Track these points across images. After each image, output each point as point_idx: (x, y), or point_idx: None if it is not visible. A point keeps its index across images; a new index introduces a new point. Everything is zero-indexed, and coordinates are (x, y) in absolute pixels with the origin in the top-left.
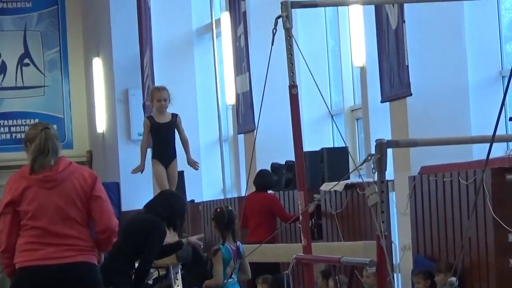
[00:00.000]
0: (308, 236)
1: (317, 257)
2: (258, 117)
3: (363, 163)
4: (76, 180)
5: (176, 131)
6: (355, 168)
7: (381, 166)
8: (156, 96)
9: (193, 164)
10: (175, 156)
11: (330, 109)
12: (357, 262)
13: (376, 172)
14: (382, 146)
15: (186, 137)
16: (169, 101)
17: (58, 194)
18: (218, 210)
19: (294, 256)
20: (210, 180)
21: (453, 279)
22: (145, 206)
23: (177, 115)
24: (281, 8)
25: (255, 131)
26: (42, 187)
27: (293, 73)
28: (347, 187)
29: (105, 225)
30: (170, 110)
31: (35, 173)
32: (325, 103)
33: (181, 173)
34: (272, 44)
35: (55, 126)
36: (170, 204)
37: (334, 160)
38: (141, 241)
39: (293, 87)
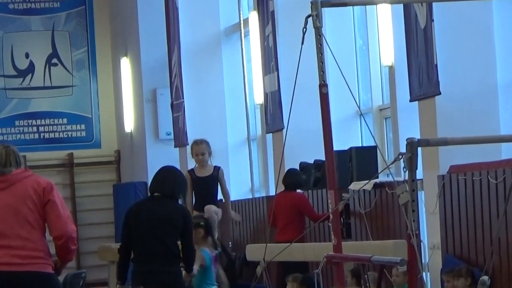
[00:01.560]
0: (338, 235)
1: (348, 256)
2: (289, 116)
3: (393, 162)
4: (30, 183)
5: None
6: (386, 167)
7: (412, 165)
8: (194, 150)
9: (234, 216)
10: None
11: (359, 108)
12: (388, 261)
13: (407, 171)
14: (413, 145)
15: (227, 191)
16: (209, 154)
17: (11, 194)
18: (206, 217)
19: (325, 255)
20: (238, 180)
21: (485, 277)
22: (156, 191)
23: (219, 168)
24: (311, 7)
25: (283, 130)
26: None
27: (323, 72)
28: (376, 186)
29: (61, 231)
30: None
31: None
32: (356, 102)
33: None
34: (302, 43)
35: (83, 126)
36: (177, 181)
37: (363, 159)
38: (178, 235)
39: (323, 86)
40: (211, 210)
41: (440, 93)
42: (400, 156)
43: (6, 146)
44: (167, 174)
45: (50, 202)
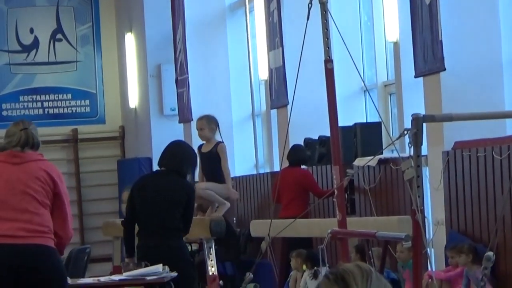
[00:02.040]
0: (343, 210)
1: (353, 231)
2: (294, 92)
3: (399, 138)
4: (43, 165)
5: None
6: (391, 143)
7: (417, 140)
8: (196, 126)
9: (232, 195)
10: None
11: (364, 84)
12: (393, 236)
13: (412, 147)
14: (418, 120)
15: (225, 168)
16: (211, 129)
17: (22, 170)
18: None
19: (329, 230)
20: (243, 156)
21: (490, 253)
22: (164, 166)
23: (218, 143)
24: None
25: (288, 106)
26: (8, 162)
27: (328, 48)
28: (381, 162)
29: (63, 233)
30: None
31: (5, 150)
32: (361, 78)
33: None
34: (308, 19)
35: (87, 101)
36: (186, 156)
37: (367, 135)
38: (181, 210)
39: (328, 61)
40: (198, 187)
41: (445, 69)
42: (406, 132)
43: (27, 128)
44: (175, 149)
45: (58, 196)
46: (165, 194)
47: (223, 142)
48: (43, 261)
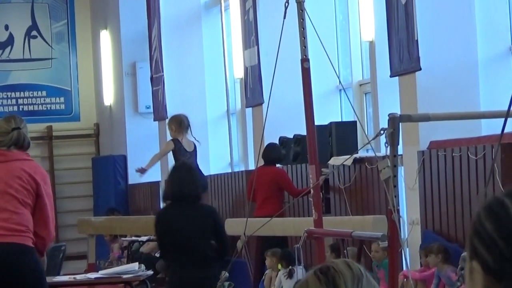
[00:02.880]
0: (319, 210)
1: (329, 231)
2: (270, 90)
3: (375, 137)
4: (26, 165)
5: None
6: (367, 142)
7: (393, 140)
8: None
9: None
10: None
11: (340, 83)
12: (369, 236)
13: (389, 146)
14: (395, 120)
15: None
16: (170, 129)
17: (4, 169)
18: None
19: (305, 229)
20: (218, 154)
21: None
22: (177, 197)
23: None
24: None
25: (263, 104)
26: None
27: (305, 47)
28: (356, 161)
29: (45, 235)
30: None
31: None
32: (337, 76)
33: None
34: (284, 18)
35: (62, 99)
36: (195, 180)
37: (343, 134)
38: (211, 235)
39: (305, 60)
40: None
41: (420, 69)
42: (382, 132)
43: (20, 128)
44: (183, 176)
45: (41, 198)
46: (189, 224)
47: (174, 139)
48: (21, 260)
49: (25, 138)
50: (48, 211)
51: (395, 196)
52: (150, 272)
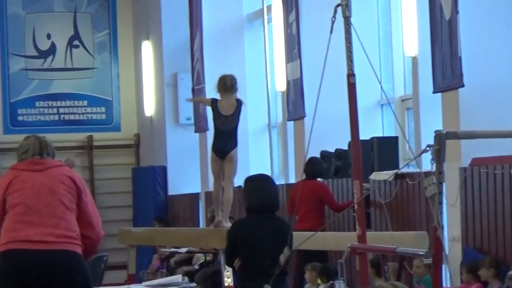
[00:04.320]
0: (363, 225)
1: (373, 247)
2: (316, 103)
3: (421, 154)
4: (64, 171)
5: None
6: (413, 158)
7: (439, 157)
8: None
9: None
10: None
11: (387, 98)
12: (413, 252)
13: (434, 163)
14: (441, 137)
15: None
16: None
17: (47, 175)
18: None
19: (349, 245)
20: (258, 167)
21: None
22: (257, 210)
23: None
24: None
25: (305, 118)
26: (30, 170)
27: (351, 62)
28: (397, 176)
29: (93, 234)
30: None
31: (24, 160)
32: (384, 92)
33: None
34: (331, 32)
35: (103, 108)
36: (273, 192)
37: (384, 150)
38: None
39: (351, 75)
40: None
41: (463, 85)
42: (428, 148)
43: (41, 137)
44: (268, 187)
45: (82, 200)
46: (271, 238)
47: (214, 98)
48: (71, 267)
49: (48, 145)
50: (90, 210)
51: (440, 213)
52: (193, 285)
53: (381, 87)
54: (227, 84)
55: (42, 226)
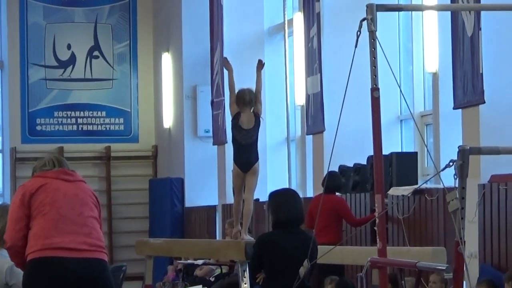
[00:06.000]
0: (383, 239)
1: (393, 261)
2: (339, 118)
3: (444, 169)
4: (89, 187)
5: None
6: (437, 173)
7: (463, 172)
8: None
9: None
10: None
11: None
12: (434, 267)
13: (458, 178)
14: (464, 152)
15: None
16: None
17: (77, 187)
18: None
19: (369, 259)
20: (276, 180)
21: None
22: (292, 223)
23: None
24: (366, 10)
25: (324, 132)
26: (60, 178)
27: (375, 76)
28: (415, 192)
29: None
30: None
31: (53, 170)
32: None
33: None
34: (356, 46)
35: (121, 119)
36: (299, 205)
37: (403, 165)
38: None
39: (375, 89)
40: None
41: (484, 102)
42: (451, 163)
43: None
44: (288, 201)
45: (100, 217)
46: (297, 252)
47: (237, 112)
48: (102, 275)
49: (65, 161)
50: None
51: (462, 228)
52: None
53: (405, 101)
54: (246, 100)
55: (75, 234)
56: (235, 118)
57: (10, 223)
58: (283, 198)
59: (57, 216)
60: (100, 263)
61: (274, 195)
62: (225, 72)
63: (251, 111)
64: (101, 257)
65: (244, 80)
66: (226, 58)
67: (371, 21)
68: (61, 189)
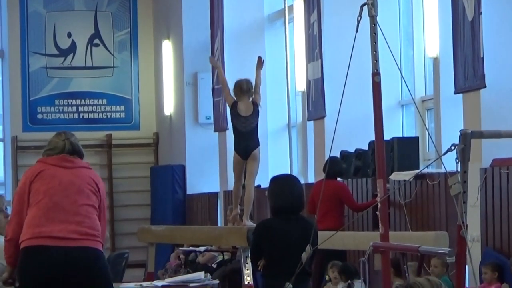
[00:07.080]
0: (386, 224)
1: (395, 245)
2: (340, 103)
3: (446, 153)
4: (91, 173)
5: None
6: (439, 157)
7: (464, 156)
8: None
9: None
10: None
11: (412, 97)
12: (436, 251)
13: (459, 162)
14: (466, 136)
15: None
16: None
17: (75, 174)
18: None
19: (371, 243)
20: (277, 166)
21: None
22: (282, 210)
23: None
24: None
25: (325, 118)
26: (59, 165)
27: (376, 61)
28: (417, 177)
29: (103, 240)
30: None
31: (52, 156)
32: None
33: None
34: (357, 31)
35: (122, 107)
36: (301, 193)
37: (404, 150)
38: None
39: (376, 74)
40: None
41: (485, 86)
42: (453, 147)
43: (69, 138)
44: (294, 188)
45: (101, 204)
46: (297, 238)
47: (234, 101)
48: (93, 264)
49: (78, 146)
50: (105, 216)
51: (464, 212)
52: (216, 281)
53: (406, 86)
54: (244, 88)
55: (66, 223)
56: (233, 107)
57: (13, 216)
58: (281, 184)
59: (49, 204)
60: (91, 252)
61: (274, 180)
62: (225, 61)
63: (250, 100)
64: (92, 245)
65: (244, 66)
66: (211, 56)
67: (372, 6)
68: (57, 176)
